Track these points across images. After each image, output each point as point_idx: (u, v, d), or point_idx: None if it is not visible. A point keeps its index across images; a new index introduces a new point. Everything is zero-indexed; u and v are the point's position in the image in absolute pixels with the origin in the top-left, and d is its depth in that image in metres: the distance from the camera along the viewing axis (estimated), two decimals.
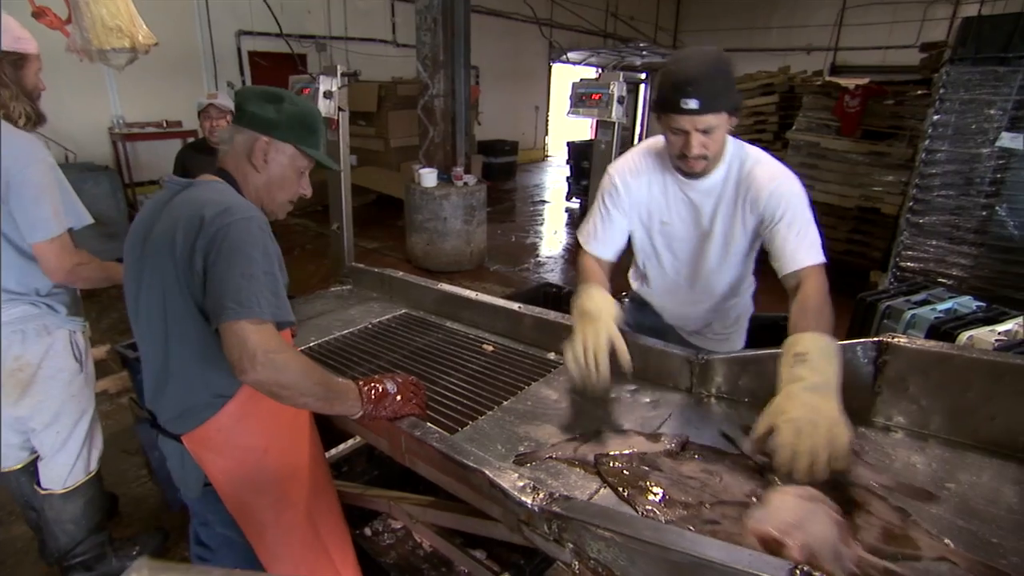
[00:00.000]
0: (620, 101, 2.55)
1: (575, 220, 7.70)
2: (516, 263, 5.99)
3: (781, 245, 1.41)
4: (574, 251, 6.23)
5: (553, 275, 5.82)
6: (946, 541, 0.95)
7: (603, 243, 1.64)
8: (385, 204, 7.70)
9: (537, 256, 6.31)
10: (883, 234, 4.89)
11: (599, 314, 1.39)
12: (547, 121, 13.44)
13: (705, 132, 1.37)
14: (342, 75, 2.48)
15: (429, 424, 1.31)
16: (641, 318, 1.83)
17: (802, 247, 1.39)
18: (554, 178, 10.96)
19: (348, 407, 1.24)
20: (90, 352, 1.86)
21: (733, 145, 1.50)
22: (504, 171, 10.14)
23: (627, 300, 1.90)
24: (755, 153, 1.51)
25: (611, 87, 2.53)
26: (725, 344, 1.79)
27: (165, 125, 6.69)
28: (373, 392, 1.27)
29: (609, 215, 1.63)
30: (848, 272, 5.08)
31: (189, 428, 1.23)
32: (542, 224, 7.68)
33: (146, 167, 6.81)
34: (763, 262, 1.56)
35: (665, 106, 1.37)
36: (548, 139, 13.62)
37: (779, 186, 1.44)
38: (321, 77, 2.45)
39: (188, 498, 1.36)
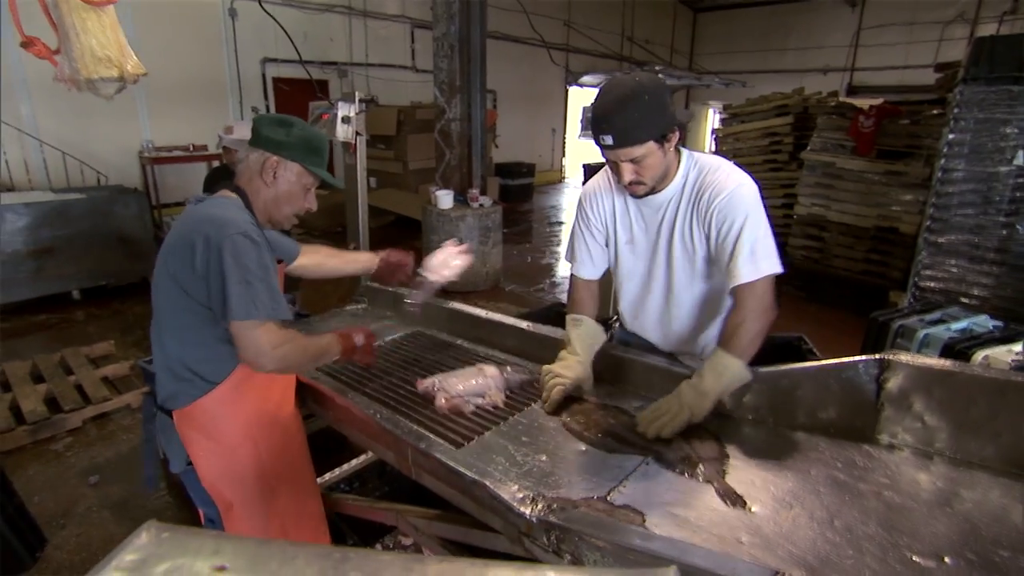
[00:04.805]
0: None
1: None
2: (531, 283, 6.03)
3: (726, 260, 1.42)
4: None
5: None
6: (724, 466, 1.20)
7: (585, 264, 1.70)
8: (404, 225, 7.83)
9: (552, 276, 6.34)
10: (902, 254, 4.83)
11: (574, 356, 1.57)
12: (564, 143, 13.59)
13: (633, 161, 1.38)
14: (360, 101, 2.57)
15: (436, 437, 1.34)
16: (628, 337, 1.81)
17: (743, 263, 1.38)
18: (571, 199, 11.04)
19: (332, 357, 1.55)
20: None
21: (686, 158, 1.49)
22: (521, 192, 10.27)
23: (617, 322, 1.90)
24: (708, 163, 1.49)
25: None
26: None
27: (191, 149, 6.94)
28: (348, 342, 1.57)
29: (583, 237, 1.68)
30: (866, 292, 5.03)
31: (179, 406, 1.44)
32: (558, 245, 7.72)
33: (173, 189, 7.05)
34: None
35: (593, 141, 1.42)
36: (565, 161, 13.75)
37: (726, 200, 1.40)
38: (339, 103, 2.55)
39: (175, 471, 1.58)
